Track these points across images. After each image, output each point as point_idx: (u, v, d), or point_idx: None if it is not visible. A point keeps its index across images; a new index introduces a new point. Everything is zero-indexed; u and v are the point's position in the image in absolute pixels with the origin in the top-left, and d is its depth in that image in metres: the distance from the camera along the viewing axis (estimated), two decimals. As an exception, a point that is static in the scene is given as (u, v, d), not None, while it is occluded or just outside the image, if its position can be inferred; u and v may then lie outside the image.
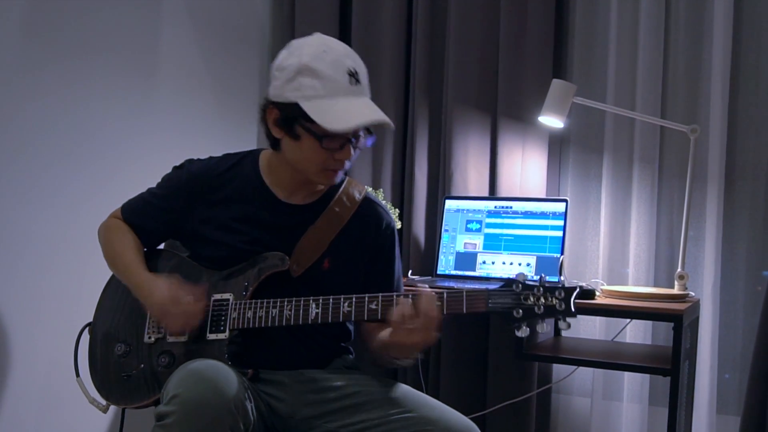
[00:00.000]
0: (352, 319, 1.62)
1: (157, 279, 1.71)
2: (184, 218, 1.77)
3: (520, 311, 1.51)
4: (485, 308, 1.53)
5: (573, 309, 1.49)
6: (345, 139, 1.61)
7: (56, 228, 2.30)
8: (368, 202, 1.82)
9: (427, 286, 1.58)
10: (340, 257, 1.76)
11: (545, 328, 1.53)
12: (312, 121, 1.57)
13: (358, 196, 1.79)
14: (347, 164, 1.67)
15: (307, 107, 1.57)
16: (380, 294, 1.60)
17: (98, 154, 2.42)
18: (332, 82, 1.58)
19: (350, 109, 1.58)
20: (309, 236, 1.73)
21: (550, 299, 1.51)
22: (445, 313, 1.55)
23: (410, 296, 1.57)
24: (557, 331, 2.71)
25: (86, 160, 2.38)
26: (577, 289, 1.51)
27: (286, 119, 1.62)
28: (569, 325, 1.51)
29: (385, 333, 1.67)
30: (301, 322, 1.64)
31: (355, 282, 1.77)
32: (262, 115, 1.68)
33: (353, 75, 1.60)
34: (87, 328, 1.84)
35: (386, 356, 1.69)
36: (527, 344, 2.34)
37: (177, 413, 1.42)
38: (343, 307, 1.61)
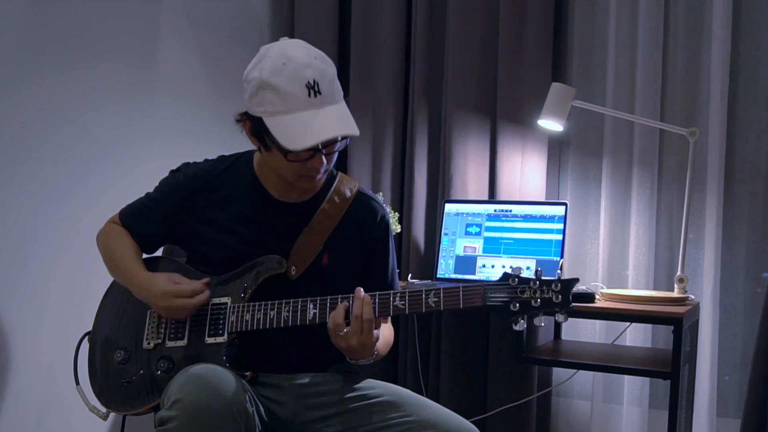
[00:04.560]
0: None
1: (157, 275, 1.72)
2: (182, 221, 1.78)
3: (517, 305, 1.51)
4: (482, 303, 1.53)
5: (570, 301, 1.50)
6: (312, 150, 1.58)
7: (58, 235, 2.30)
8: (362, 196, 1.82)
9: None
10: (338, 252, 1.76)
11: (542, 321, 1.53)
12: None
13: (348, 194, 1.80)
14: (323, 169, 1.65)
15: (270, 123, 1.56)
16: (377, 293, 1.60)
17: (100, 161, 2.42)
18: (291, 97, 1.54)
19: (309, 126, 1.54)
20: (304, 238, 1.74)
21: (546, 292, 1.51)
22: (442, 308, 1.55)
23: (350, 301, 1.59)
24: (557, 334, 2.72)
25: (88, 166, 2.39)
26: (575, 282, 1.52)
27: (257, 131, 1.62)
28: (566, 318, 1.52)
29: None
30: (299, 323, 1.64)
31: (353, 275, 1.78)
32: (239, 123, 1.68)
33: (312, 87, 1.54)
34: (86, 337, 1.84)
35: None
36: (527, 347, 2.34)
37: (179, 418, 1.42)
38: (341, 306, 1.62)
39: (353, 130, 1.58)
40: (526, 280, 1.52)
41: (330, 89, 1.57)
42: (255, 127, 1.62)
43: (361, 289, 1.59)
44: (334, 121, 1.57)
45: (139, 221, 1.82)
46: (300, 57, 1.55)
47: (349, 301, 1.59)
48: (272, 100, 1.55)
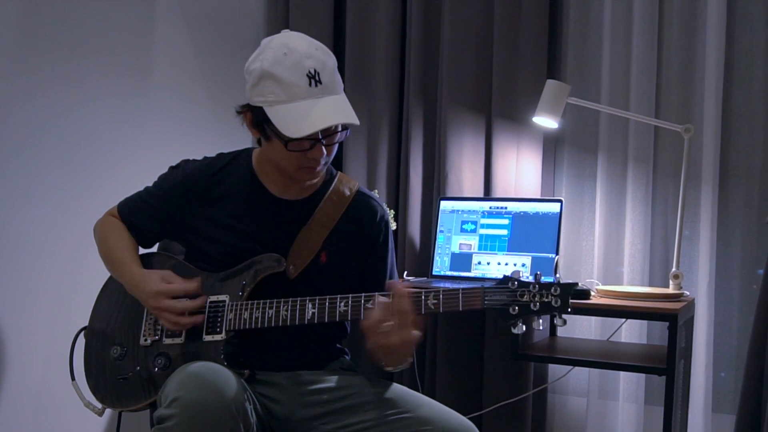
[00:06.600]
0: (348, 318, 1.62)
1: (150, 273, 1.72)
2: (180, 217, 1.78)
3: (516, 308, 1.52)
4: (481, 305, 1.53)
5: (569, 305, 1.50)
6: (313, 140, 1.60)
7: (52, 230, 2.30)
8: (361, 196, 1.82)
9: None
10: (336, 251, 1.76)
11: (541, 324, 1.53)
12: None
13: (347, 193, 1.80)
14: (323, 161, 1.66)
15: (270, 113, 1.58)
16: (376, 293, 1.60)
17: (94, 156, 2.42)
18: (291, 87, 1.56)
19: (309, 114, 1.55)
20: (302, 237, 1.74)
21: (545, 296, 1.51)
22: (441, 311, 1.55)
23: (389, 296, 1.56)
24: (553, 331, 2.72)
25: (82, 162, 2.38)
26: (575, 286, 1.52)
27: (258, 122, 1.63)
28: (565, 322, 1.52)
29: None
30: (297, 323, 1.64)
31: (351, 275, 1.78)
32: (240, 115, 1.69)
33: (313, 77, 1.56)
34: (82, 332, 1.84)
35: (376, 362, 1.68)
36: (523, 344, 2.34)
37: (178, 416, 1.41)
38: (339, 306, 1.61)
39: (353, 119, 1.59)
40: (526, 284, 1.52)
41: (330, 80, 1.59)
42: (256, 117, 1.63)
43: (397, 283, 1.58)
44: (333, 110, 1.58)
45: (137, 215, 1.82)
46: (301, 47, 1.57)
47: (386, 298, 1.56)
48: (273, 90, 1.57)
